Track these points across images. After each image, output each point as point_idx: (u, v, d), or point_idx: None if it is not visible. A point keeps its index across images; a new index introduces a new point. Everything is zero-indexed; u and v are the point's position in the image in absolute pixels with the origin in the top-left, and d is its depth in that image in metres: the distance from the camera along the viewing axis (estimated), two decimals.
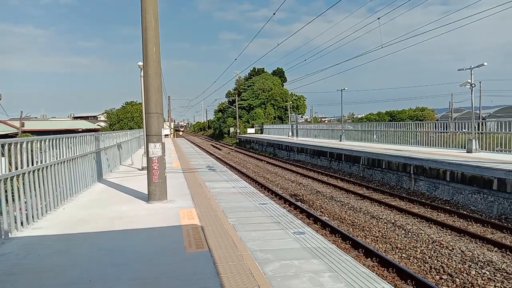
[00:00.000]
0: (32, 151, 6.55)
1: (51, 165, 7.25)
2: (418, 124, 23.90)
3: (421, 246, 8.74)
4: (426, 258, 8.09)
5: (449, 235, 9.55)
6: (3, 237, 5.56)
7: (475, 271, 7.27)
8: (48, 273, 4.33)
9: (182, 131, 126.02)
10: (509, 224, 10.24)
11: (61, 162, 7.81)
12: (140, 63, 13.72)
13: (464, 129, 19.23)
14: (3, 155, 5.73)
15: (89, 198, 8.72)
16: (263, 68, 73.98)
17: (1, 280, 4.15)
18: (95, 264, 4.60)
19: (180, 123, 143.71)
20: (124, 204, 8.05)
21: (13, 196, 5.85)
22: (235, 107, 67.09)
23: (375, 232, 10.03)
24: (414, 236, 9.45)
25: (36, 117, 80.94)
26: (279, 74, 71.79)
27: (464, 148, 17.83)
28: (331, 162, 24.04)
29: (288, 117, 51.64)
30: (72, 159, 8.61)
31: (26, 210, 6.24)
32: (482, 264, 7.55)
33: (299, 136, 39.56)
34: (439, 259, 7.93)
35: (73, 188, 8.74)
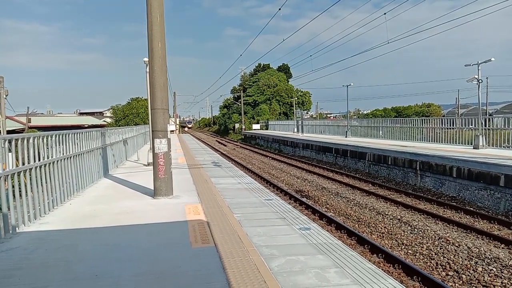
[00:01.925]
0: (38, 146, 6.58)
1: (57, 161, 7.29)
2: (424, 120, 23.78)
3: (427, 243, 8.71)
4: (432, 254, 8.06)
5: (455, 231, 9.50)
6: (10, 231, 5.60)
7: (482, 267, 7.23)
8: (54, 268, 4.36)
9: (190, 127, 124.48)
10: None
11: (67, 158, 7.85)
12: (146, 59, 13.73)
13: (471, 125, 19.11)
14: (10, 150, 5.76)
15: (95, 194, 8.76)
16: (269, 64, 73.84)
17: (9, 274, 4.18)
18: (101, 259, 4.62)
19: (187, 119, 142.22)
20: (130, 200, 8.08)
21: (20, 191, 5.89)
22: (240, 103, 67.04)
23: (381, 228, 10.01)
24: (420, 232, 9.41)
25: (42, 113, 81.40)
26: (285, 70, 71.62)
27: (471, 144, 17.72)
28: (337, 158, 23.99)
29: (293, 113, 51.53)
30: (79, 155, 8.64)
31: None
32: (489, 260, 7.51)
33: (305, 132, 39.49)
34: (445, 256, 7.90)
35: (79, 183, 8.79)
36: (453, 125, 20.61)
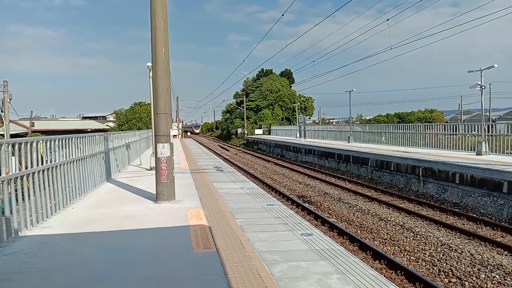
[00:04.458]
0: (41, 150, 6.60)
1: (60, 165, 7.31)
2: (427, 126, 23.73)
3: (429, 249, 8.67)
4: (434, 261, 8.02)
5: (458, 238, 9.46)
6: (13, 235, 5.60)
7: (485, 274, 7.19)
8: (56, 272, 4.36)
9: (197, 132, 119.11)
10: None
11: (70, 162, 7.87)
12: (149, 64, 13.78)
13: (474, 131, 19.07)
14: (13, 154, 5.78)
15: (97, 198, 8.77)
16: (271, 69, 73.97)
17: (10, 278, 4.19)
18: (103, 263, 4.62)
19: (194, 122, 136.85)
20: (132, 204, 8.09)
21: (23, 195, 5.90)
22: (243, 108, 67.14)
23: (384, 234, 9.97)
24: (422, 238, 9.37)
25: (45, 117, 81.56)
26: (287, 75, 71.70)
27: (474, 150, 17.67)
28: (339, 163, 23.95)
29: (295, 118, 51.54)
30: (81, 159, 8.67)
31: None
32: (491, 267, 7.47)
33: (307, 138, 39.46)
34: (448, 262, 7.86)
35: (82, 187, 8.80)
36: (456, 131, 20.57)
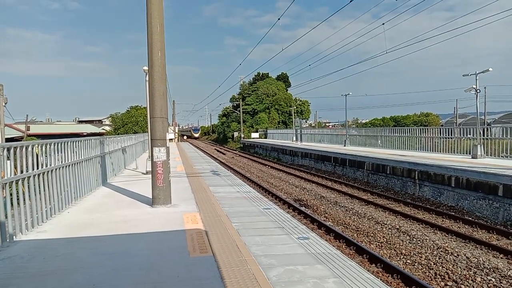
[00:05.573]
0: (37, 154, 6.57)
1: (56, 169, 7.28)
2: (422, 129, 23.82)
3: (426, 252, 8.69)
4: (431, 264, 8.04)
5: (454, 241, 9.49)
6: (8, 240, 5.57)
7: (481, 277, 7.21)
8: (52, 276, 4.34)
9: (197, 137, 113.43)
10: None
11: (66, 166, 7.84)
12: (146, 68, 13.78)
13: (469, 134, 19.14)
14: (8, 158, 5.76)
15: (93, 202, 8.74)
16: (268, 73, 74.14)
17: (6, 283, 4.16)
18: (98, 268, 4.60)
19: (193, 125, 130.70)
20: (128, 208, 8.06)
21: (18, 199, 5.87)
22: (239, 111, 67.16)
23: (380, 238, 9.98)
24: (419, 242, 9.39)
25: (41, 121, 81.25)
26: (284, 79, 71.86)
27: (469, 153, 17.74)
28: (335, 167, 23.99)
29: (292, 122, 51.64)
30: (77, 163, 8.64)
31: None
32: (487, 270, 7.49)
33: (303, 141, 39.51)
34: (444, 266, 7.88)
35: (77, 191, 8.77)
36: (451, 135, 20.65)
